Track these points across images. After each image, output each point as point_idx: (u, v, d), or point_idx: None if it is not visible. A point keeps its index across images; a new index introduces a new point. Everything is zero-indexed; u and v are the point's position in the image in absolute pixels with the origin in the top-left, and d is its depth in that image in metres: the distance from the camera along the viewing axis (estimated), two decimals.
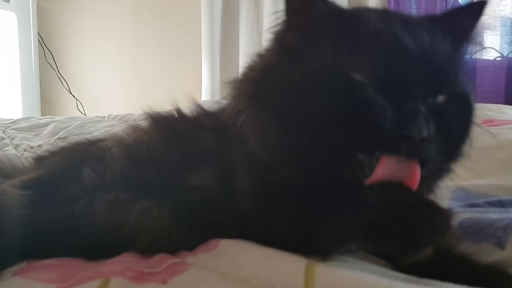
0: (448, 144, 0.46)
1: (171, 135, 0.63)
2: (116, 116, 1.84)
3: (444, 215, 0.42)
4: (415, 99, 0.44)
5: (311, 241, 0.45)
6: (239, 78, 0.57)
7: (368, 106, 0.44)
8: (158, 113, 0.67)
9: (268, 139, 0.50)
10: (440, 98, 0.46)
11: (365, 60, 0.45)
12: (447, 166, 0.52)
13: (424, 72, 0.45)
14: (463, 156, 0.52)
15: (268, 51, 0.55)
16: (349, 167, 0.45)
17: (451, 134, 0.47)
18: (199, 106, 0.67)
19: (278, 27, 0.52)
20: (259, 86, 0.51)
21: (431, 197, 0.53)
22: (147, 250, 0.56)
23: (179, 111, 0.67)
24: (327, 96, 0.45)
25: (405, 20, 0.49)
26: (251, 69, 0.55)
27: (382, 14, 0.52)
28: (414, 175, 0.44)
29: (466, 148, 0.52)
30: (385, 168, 0.43)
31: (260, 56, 0.56)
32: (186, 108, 0.67)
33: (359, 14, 0.50)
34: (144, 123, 0.68)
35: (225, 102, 0.61)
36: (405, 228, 0.40)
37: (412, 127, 0.42)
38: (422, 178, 0.45)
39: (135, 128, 0.68)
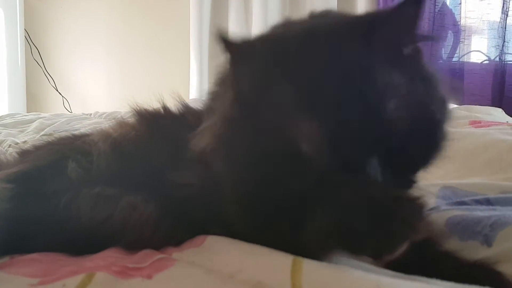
0: (412, 165, 0.47)
1: (157, 131, 0.63)
2: (103, 113, 1.82)
3: (414, 206, 0.40)
4: (365, 161, 0.42)
5: (293, 246, 0.44)
6: (213, 97, 0.57)
7: (308, 176, 0.43)
8: (145, 109, 0.66)
9: (232, 194, 0.50)
10: (396, 141, 0.43)
11: (308, 129, 0.42)
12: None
13: (372, 128, 0.42)
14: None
15: (230, 83, 0.52)
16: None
17: (413, 158, 0.46)
18: (185, 105, 0.67)
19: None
20: (220, 140, 0.50)
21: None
22: (133, 245, 0.55)
23: (165, 108, 0.67)
24: (273, 161, 0.44)
25: (334, 52, 0.44)
26: (216, 100, 0.55)
27: (306, 44, 0.46)
28: None
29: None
30: None
31: (223, 83, 0.55)
32: (173, 106, 0.67)
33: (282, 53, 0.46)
34: (130, 119, 0.67)
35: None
36: (376, 227, 0.39)
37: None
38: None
39: (121, 124, 0.67)
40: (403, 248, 0.39)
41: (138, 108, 0.67)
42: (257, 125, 0.46)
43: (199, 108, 0.64)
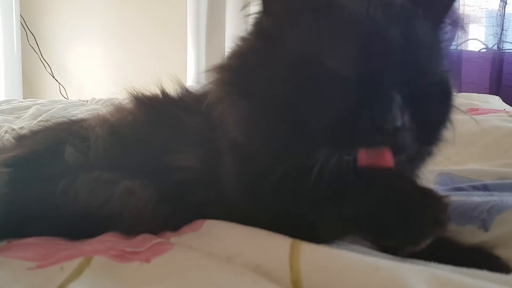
0: (426, 130, 0.46)
1: (155, 116, 0.62)
2: (100, 100, 1.81)
3: (442, 203, 0.41)
4: (390, 88, 0.43)
5: (299, 231, 0.44)
6: (221, 63, 0.56)
7: (342, 97, 0.43)
8: (142, 94, 0.66)
9: (247, 127, 0.49)
10: (417, 86, 0.45)
11: (340, 49, 0.44)
12: (427, 151, 0.51)
13: (402, 61, 0.44)
14: (443, 140, 0.51)
15: (250, 35, 0.53)
16: (326, 160, 0.43)
17: (428, 120, 0.46)
18: (184, 88, 0.66)
19: (257, 11, 0.51)
20: (238, 73, 0.50)
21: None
22: (131, 230, 0.55)
23: (163, 92, 0.66)
24: (301, 86, 0.44)
25: (386, 1, 0.47)
26: (233, 55, 0.54)
27: None
28: (387, 161, 0.43)
29: (446, 133, 0.51)
30: (361, 156, 0.43)
31: (243, 40, 0.54)
32: (171, 90, 0.66)
33: None
34: (128, 104, 0.67)
35: (206, 87, 0.60)
36: (405, 220, 0.40)
37: (385, 118, 0.41)
38: (404, 163, 0.45)
39: (119, 108, 0.67)
40: (427, 242, 0.40)
41: (135, 92, 0.66)
42: (284, 51, 0.46)
43: (199, 92, 0.64)
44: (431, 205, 0.40)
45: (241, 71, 0.50)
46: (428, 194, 0.42)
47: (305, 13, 0.47)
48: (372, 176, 0.43)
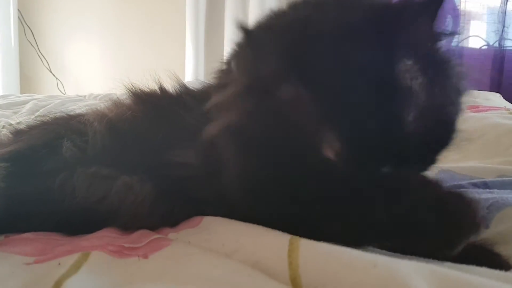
0: (432, 154, 0.46)
1: (154, 111, 0.62)
2: (97, 95, 1.81)
3: (476, 207, 0.41)
4: (382, 166, 0.42)
5: (302, 232, 0.43)
6: (220, 76, 0.55)
7: (339, 189, 0.42)
8: (141, 90, 0.65)
9: (245, 183, 0.48)
10: (412, 146, 0.43)
11: (330, 138, 0.41)
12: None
13: (391, 141, 0.41)
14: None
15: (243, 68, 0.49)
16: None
17: (432, 151, 0.46)
18: (182, 85, 0.66)
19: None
20: (235, 128, 0.48)
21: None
22: (129, 226, 0.55)
23: (162, 88, 0.66)
24: (299, 168, 0.43)
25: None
26: (228, 84, 0.50)
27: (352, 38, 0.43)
28: None
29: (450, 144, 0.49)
30: None
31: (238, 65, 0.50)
32: (169, 86, 0.66)
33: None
34: (126, 99, 0.66)
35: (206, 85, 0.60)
36: (441, 224, 0.39)
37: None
38: None
39: (117, 104, 0.67)
40: (462, 247, 0.40)
41: (133, 88, 0.66)
42: (274, 120, 0.44)
43: (197, 89, 0.63)
44: (466, 208, 0.40)
45: (239, 128, 0.47)
46: (462, 198, 0.41)
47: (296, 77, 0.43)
48: (402, 181, 0.42)
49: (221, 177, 0.52)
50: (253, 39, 0.46)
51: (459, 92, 0.48)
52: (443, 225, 0.39)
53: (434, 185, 0.43)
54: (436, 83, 0.44)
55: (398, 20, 0.44)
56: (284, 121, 0.43)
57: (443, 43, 0.48)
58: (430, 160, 0.47)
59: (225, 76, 0.54)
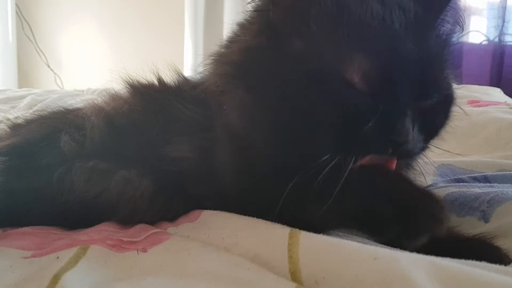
0: (427, 139, 0.48)
1: (151, 104, 0.61)
2: (95, 90, 1.80)
3: (440, 204, 0.42)
4: (404, 104, 0.43)
5: (296, 221, 0.44)
6: (221, 53, 0.55)
7: (355, 108, 0.42)
8: (138, 82, 0.65)
9: (251, 121, 0.49)
10: (428, 100, 0.46)
11: (358, 59, 0.42)
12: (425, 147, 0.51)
13: (418, 77, 0.43)
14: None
15: (251, 24, 0.51)
16: (330, 163, 0.43)
17: (433, 128, 0.49)
18: (181, 77, 0.65)
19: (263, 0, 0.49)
20: (242, 68, 0.48)
21: (411, 173, 0.54)
22: (127, 220, 0.55)
23: (160, 80, 0.65)
24: (313, 92, 0.43)
25: (403, 8, 0.45)
26: (232, 43, 0.53)
27: None
28: (390, 164, 0.45)
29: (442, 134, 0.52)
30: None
31: (242, 27, 0.53)
32: (168, 78, 0.65)
33: None
34: (124, 92, 0.66)
35: (204, 76, 0.59)
36: (403, 216, 0.40)
37: (398, 133, 0.42)
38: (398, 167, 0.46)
39: (114, 97, 0.66)
40: (425, 239, 0.41)
41: (131, 81, 0.65)
42: (293, 53, 0.44)
43: (197, 80, 0.63)
44: (428, 203, 0.41)
45: (245, 67, 0.48)
46: (426, 194, 0.43)
47: (319, 13, 0.44)
48: (372, 173, 0.43)
49: (218, 170, 0.52)
50: None
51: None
52: (402, 219, 0.40)
53: (402, 181, 0.44)
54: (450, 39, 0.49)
55: None
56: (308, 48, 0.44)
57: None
58: (435, 131, 0.50)
59: (224, 51, 0.54)
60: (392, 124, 0.42)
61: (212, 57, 0.55)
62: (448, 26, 0.50)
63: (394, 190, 0.42)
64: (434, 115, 0.47)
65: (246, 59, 0.48)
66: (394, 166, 0.45)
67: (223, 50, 0.54)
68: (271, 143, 0.47)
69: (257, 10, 0.50)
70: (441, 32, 0.48)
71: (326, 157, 0.42)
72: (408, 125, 0.42)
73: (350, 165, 0.42)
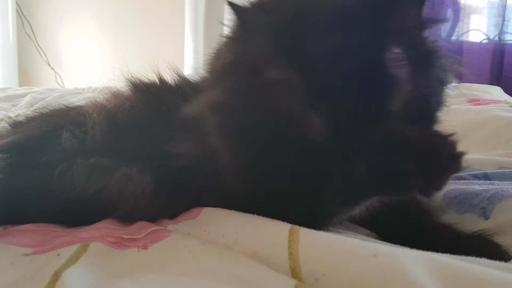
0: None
1: (153, 102, 0.61)
2: (96, 88, 1.80)
3: (452, 141, 0.40)
4: (357, 151, 0.41)
5: (298, 217, 0.43)
6: (212, 68, 0.56)
7: (316, 158, 0.42)
8: (140, 80, 0.65)
9: (232, 155, 0.49)
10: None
11: (317, 119, 0.42)
12: None
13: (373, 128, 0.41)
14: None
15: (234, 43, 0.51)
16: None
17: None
18: (181, 76, 0.65)
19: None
20: (223, 109, 0.49)
21: None
22: (128, 217, 0.55)
23: (161, 79, 0.65)
24: (279, 143, 0.44)
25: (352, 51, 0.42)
26: (217, 77, 0.53)
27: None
28: None
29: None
30: None
31: (228, 45, 0.52)
32: (169, 77, 0.66)
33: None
34: (125, 90, 0.66)
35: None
36: (425, 167, 0.38)
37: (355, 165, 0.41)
38: None
39: (116, 95, 0.66)
40: (447, 182, 0.39)
41: (133, 79, 0.65)
42: (259, 99, 0.44)
43: (196, 79, 0.63)
44: (442, 142, 0.40)
45: (225, 108, 0.48)
46: (435, 134, 0.41)
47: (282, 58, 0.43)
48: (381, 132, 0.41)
49: (217, 166, 0.52)
50: (244, 18, 0.47)
51: (442, 84, 0.48)
52: (423, 166, 0.38)
53: (406, 130, 0.42)
54: (421, 74, 0.44)
55: (388, 5, 0.43)
56: (269, 100, 0.44)
57: (433, 33, 0.48)
58: None
59: (215, 62, 0.55)
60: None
61: (204, 82, 0.57)
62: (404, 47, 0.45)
63: (406, 141, 0.40)
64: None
65: (227, 101, 0.48)
66: None
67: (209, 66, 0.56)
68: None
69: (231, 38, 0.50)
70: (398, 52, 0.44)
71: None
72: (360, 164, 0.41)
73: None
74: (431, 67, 0.46)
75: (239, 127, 0.47)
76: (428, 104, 0.46)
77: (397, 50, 0.42)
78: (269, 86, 0.44)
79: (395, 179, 0.40)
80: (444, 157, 0.39)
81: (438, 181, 0.39)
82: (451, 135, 0.41)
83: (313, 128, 0.42)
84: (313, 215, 0.43)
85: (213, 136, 0.50)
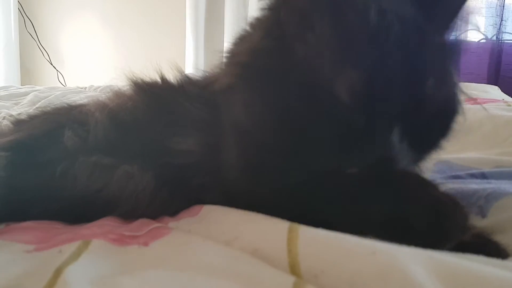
0: (422, 151, 0.47)
1: (155, 101, 0.62)
2: (98, 87, 1.80)
3: (465, 211, 0.41)
4: (391, 120, 0.42)
5: (301, 217, 0.43)
6: (231, 49, 0.55)
7: (343, 123, 0.42)
8: (142, 80, 0.65)
9: (257, 119, 0.49)
10: (421, 117, 0.44)
11: (347, 73, 0.42)
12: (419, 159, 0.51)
13: (409, 94, 0.42)
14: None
15: (261, 22, 0.52)
16: (331, 165, 0.43)
17: (426, 144, 0.47)
18: (183, 75, 0.66)
19: None
20: (248, 68, 0.49)
21: (416, 171, 0.53)
22: (129, 215, 0.56)
23: (163, 78, 0.65)
24: (306, 102, 0.43)
25: (403, 20, 0.44)
26: (242, 42, 0.53)
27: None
28: None
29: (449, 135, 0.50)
30: None
31: (252, 26, 0.53)
32: (171, 76, 0.66)
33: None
34: (127, 90, 0.66)
35: (210, 72, 0.60)
36: (433, 225, 0.40)
37: (382, 150, 0.42)
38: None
39: (118, 94, 0.67)
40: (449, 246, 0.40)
41: (135, 78, 0.66)
42: (290, 60, 0.45)
43: (199, 78, 0.63)
44: (459, 212, 0.41)
45: (252, 68, 0.49)
46: (454, 201, 0.42)
47: (319, 18, 0.44)
48: (401, 177, 0.43)
49: (221, 164, 0.52)
50: None
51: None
52: (435, 229, 0.40)
53: (431, 187, 0.43)
54: (453, 63, 0.47)
55: None
56: (303, 60, 0.44)
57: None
58: (431, 144, 0.48)
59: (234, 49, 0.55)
60: (377, 141, 0.42)
61: (223, 55, 0.55)
62: (454, 35, 0.49)
63: (424, 197, 0.41)
64: (429, 131, 0.46)
65: (253, 60, 0.49)
66: None
67: (233, 47, 0.55)
68: (277, 142, 0.47)
69: (268, 9, 0.50)
70: (444, 42, 0.48)
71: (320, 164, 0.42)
72: (393, 143, 0.42)
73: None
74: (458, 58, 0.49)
75: (267, 86, 0.47)
76: (454, 95, 0.48)
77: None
78: (302, 45, 0.44)
79: (407, 230, 0.40)
80: (457, 225, 0.40)
81: (440, 245, 0.40)
82: (464, 206, 0.42)
83: (346, 86, 0.42)
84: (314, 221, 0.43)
85: (243, 111, 0.50)
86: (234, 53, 0.54)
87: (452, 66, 0.47)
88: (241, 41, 0.54)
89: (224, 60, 0.55)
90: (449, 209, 0.41)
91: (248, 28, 0.54)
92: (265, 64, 0.47)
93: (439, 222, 0.40)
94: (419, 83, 0.43)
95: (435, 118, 0.45)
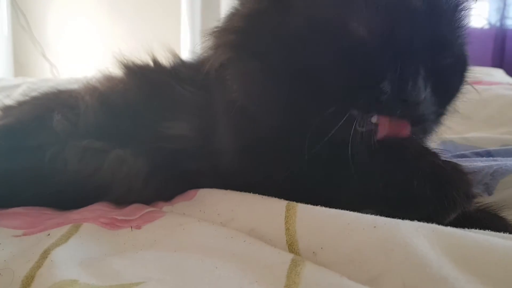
0: (443, 101, 0.45)
1: (147, 84, 0.60)
2: (92, 78, 1.78)
3: (470, 179, 0.40)
4: (416, 60, 0.41)
5: (298, 198, 0.42)
6: (222, 26, 0.53)
7: (367, 64, 0.40)
8: (133, 62, 0.63)
9: (255, 88, 0.47)
10: (440, 58, 0.43)
11: (366, 13, 0.41)
12: (439, 121, 0.49)
13: (429, 33, 0.41)
14: (453, 111, 0.50)
15: None
16: (340, 122, 0.41)
17: (446, 94, 0.45)
18: (177, 57, 0.64)
19: None
20: (245, 35, 0.47)
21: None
22: (122, 200, 0.54)
23: (155, 61, 0.63)
24: (318, 47, 0.41)
25: None
26: (235, 16, 0.51)
27: None
28: (406, 131, 0.42)
29: (456, 104, 0.50)
30: (381, 127, 0.41)
31: (242, 2, 0.51)
32: (163, 59, 0.64)
33: None
34: (118, 73, 0.64)
35: (204, 53, 0.58)
36: (437, 192, 0.38)
37: (410, 92, 0.39)
38: (414, 133, 0.43)
39: (108, 78, 0.65)
40: (454, 216, 0.39)
41: (126, 61, 0.63)
42: (301, 11, 0.43)
43: (193, 60, 0.61)
44: (461, 179, 0.39)
45: (246, 32, 0.47)
46: (458, 168, 0.40)
47: None
48: (400, 147, 0.41)
49: (215, 147, 0.50)
50: None
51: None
52: (437, 196, 0.38)
53: (431, 155, 0.41)
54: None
55: None
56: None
57: None
58: (449, 96, 0.47)
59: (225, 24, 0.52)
60: (403, 82, 0.40)
61: (214, 32, 0.53)
62: None
63: (428, 165, 0.40)
64: (448, 77, 0.44)
65: (249, 24, 0.47)
66: (408, 132, 0.42)
67: (223, 23, 0.53)
68: (278, 112, 0.45)
69: None
70: None
71: (334, 109, 0.40)
72: (420, 84, 0.40)
73: (368, 136, 0.40)
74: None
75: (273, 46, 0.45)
76: (466, 62, 0.48)
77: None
78: None
79: (410, 200, 0.39)
80: (462, 193, 0.39)
81: (445, 213, 0.39)
82: (470, 173, 0.41)
83: (363, 23, 0.40)
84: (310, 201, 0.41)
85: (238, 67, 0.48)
86: (224, 26, 0.51)
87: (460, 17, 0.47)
88: (232, 16, 0.51)
89: (213, 35, 0.52)
90: (451, 175, 0.39)
91: (236, 5, 0.52)
92: (263, 26, 0.45)
93: (442, 188, 0.38)
94: (438, 25, 0.42)
95: (455, 63, 0.45)
